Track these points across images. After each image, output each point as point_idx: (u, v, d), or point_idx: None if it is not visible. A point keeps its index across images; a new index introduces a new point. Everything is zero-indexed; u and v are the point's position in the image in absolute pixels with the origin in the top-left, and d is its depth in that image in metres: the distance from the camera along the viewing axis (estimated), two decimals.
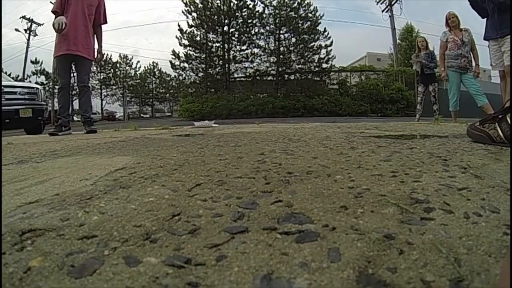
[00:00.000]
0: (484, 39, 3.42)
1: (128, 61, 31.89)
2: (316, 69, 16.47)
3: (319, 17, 16.51)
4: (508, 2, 2.98)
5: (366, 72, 16.72)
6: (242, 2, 16.09)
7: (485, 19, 3.35)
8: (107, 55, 28.59)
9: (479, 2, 3.17)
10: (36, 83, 17.69)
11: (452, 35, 4.18)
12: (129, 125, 3.47)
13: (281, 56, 16.51)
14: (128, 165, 0.92)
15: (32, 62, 24.45)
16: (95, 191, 0.63)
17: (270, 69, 17.06)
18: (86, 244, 0.39)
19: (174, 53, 16.85)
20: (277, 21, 16.40)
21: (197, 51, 16.81)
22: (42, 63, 24.97)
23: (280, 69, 16.55)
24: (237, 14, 16.34)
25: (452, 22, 4.14)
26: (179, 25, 16.70)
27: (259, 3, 16.22)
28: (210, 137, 1.80)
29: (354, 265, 0.32)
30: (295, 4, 16.30)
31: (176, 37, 16.69)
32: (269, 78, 17.08)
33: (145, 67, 33.75)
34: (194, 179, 0.70)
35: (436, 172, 0.72)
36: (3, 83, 5.04)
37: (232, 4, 16.10)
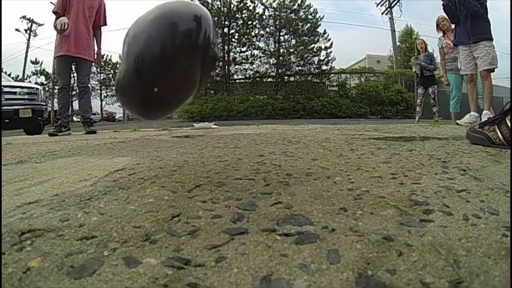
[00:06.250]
0: (455, 44, 3.51)
1: None
2: (316, 71, 16.48)
3: (319, 19, 16.55)
4: (481, 10, 3.05)
5: (366, 74, 16.74)
6: (242, 4, 16.13)
7: (454, 25, 3.44)
8: (107, 55, 28.62)
9: (452, 8, 3.22)
10: (36, 83, 17.67)
11: (445, 39, 4.21)
12: (129, 126, 3.47)
13: (281, 58, 16.52)
14: (127, 166, 0.92)
15: (32, 62, 24.43)
16: (94, 192, 0.63)
17: (270, 70, 17.07)
18: (86, 244, 0.39)
19: None
20: (277, 22, 16.42)
21: None
22: (42, 63, 24.95)
23: (280, 71, 16.56)
24: (237, 15, 16.37)
25: (443, 26, 4.16)
26: None
27: (259, 4, 16.27)
28: (210, 139, 1.80)
29: (354, 267, 0.32)
30: (295, 6, 16.34)
31: None
32: (269, 79, 17.09)
33: None
34: (194, 181, 0.70)
35: (436, 174, 0.72)
36: (3, 83, 5.04)
37: (232, 5, 16.14)
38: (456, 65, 4.10)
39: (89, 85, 3.34)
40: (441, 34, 4.29)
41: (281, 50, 16.69)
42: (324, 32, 16.61)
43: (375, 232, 0.40)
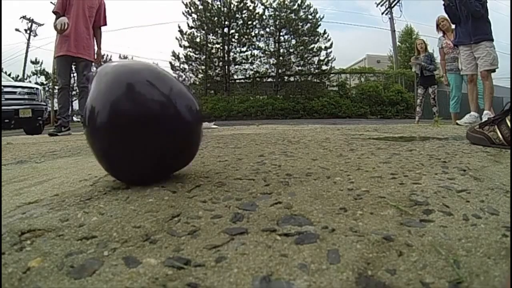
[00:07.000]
0: (455, 44, 3.51)
1: None
2: (316, 71, 16.49)
3: (319, 19, 16.56)
4: (482, 10, 3.07)
5: (366, 74, 16.74)
6: (242, 4, 16.13)
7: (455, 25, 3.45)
8: (107, 55, 28.59)
9: (453, 8, 3.23)
10: (36, 83, 17.63)
11: (445, 39, 4.21)
12: None
13: (281, 58, 16.53)
14: None
15: (32, 62, 24.35)
16: (94, 192, 0.63)
17: (270, 70, 17.08)
18: (86, 244, 0.39)
19: (174, 54, 16.88)
20: (277, 22, 16.43)
21: (197, 52, 16.84)
22: (42, 63, 24.85)
23: (280, 71, 16.57)
24: (237, 15, 16.38)
25: (443, 26, 4.16)
26: (179, 26, 16.76)
27: (259, 4, 16.27)
28: (210, 139, 1.80)
29: (354, 267, 0.32)
30: (295, 6, 16.35)
31: (176, 38, 16.73)
32: (269, 79, 17.10)
33: None
34: (194, 180, 0.70)
35: (436, 174, 0.72)
36: (3, 83, 5.04)
37: (232, 5, 16.14)
38: (456, 65, 4.10)
39: (89, 85, 3.34)
40: (441, 34, 4.29)
41: (281, 50, 16.70)
42: (324, 32, 16.63)
43: (375, 232, 0.40)
